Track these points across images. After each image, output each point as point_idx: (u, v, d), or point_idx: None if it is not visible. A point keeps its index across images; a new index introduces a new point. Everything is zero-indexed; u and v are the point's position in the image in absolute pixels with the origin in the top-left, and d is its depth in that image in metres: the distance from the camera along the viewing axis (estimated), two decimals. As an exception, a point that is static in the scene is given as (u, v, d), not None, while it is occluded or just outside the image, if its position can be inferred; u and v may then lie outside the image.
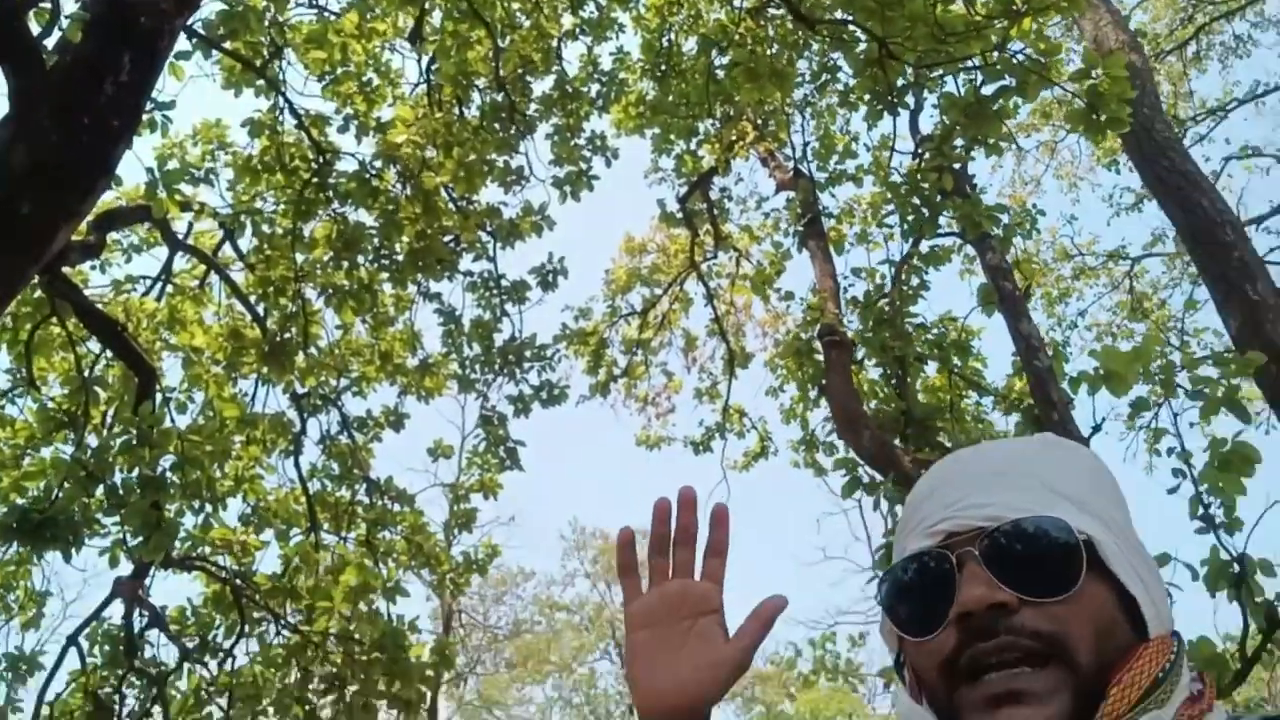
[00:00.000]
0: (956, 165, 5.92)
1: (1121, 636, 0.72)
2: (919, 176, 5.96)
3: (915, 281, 6.72)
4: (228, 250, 7.06)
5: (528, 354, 8.24)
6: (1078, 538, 0.72)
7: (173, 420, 5.67)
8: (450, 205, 7.13)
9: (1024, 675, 0.69)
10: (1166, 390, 5.33)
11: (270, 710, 5.89)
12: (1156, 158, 6.49)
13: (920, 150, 6.49)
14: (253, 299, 6.85)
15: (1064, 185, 15.78)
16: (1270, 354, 5.03)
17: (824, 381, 6.89)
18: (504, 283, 8.00)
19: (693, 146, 8.91)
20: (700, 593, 0.88)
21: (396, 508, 7.45)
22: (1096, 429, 5.26)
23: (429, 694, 7.60)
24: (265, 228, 6.72)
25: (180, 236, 6.75)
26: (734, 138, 8.79)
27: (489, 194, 9.02)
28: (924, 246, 6.82)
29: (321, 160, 6.56)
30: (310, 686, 5.97)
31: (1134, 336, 13.75)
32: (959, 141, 5.58)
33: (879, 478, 5.57)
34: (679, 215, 9.16)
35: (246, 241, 6.85)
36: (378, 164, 6.61)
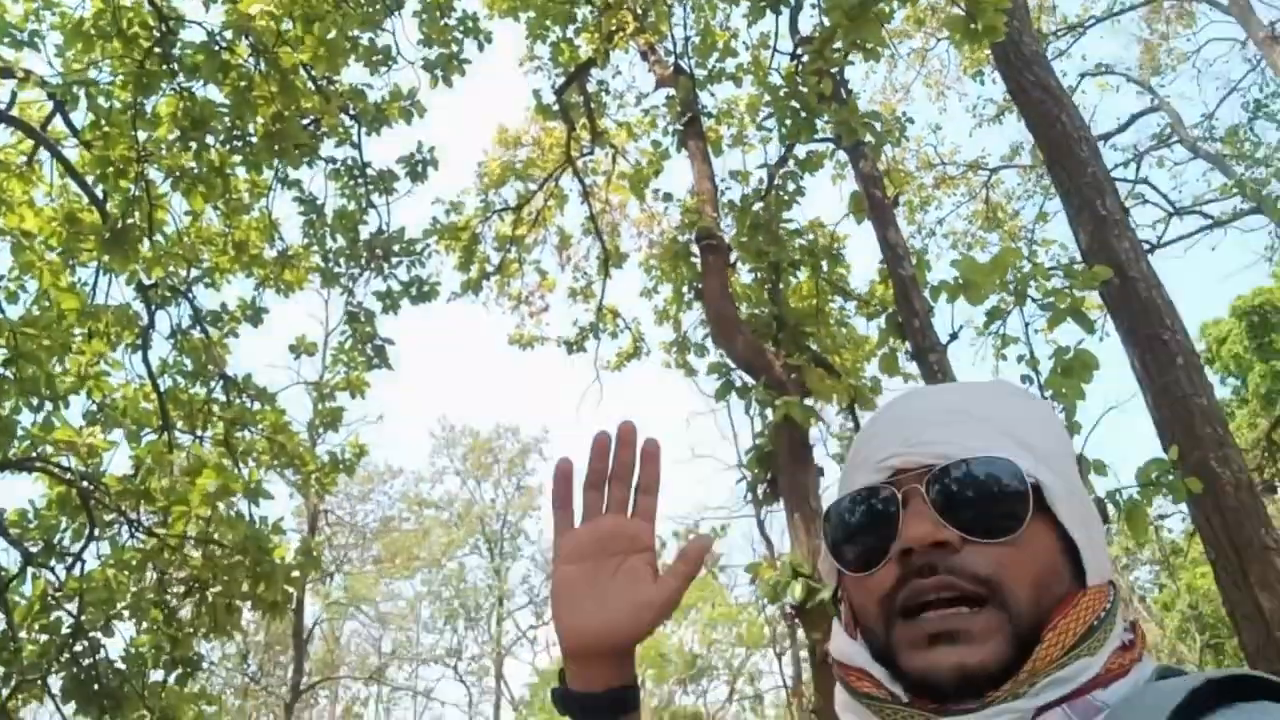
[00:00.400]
0: (834, 69, 5.92)
1: (1060, 584, 0.72)
2: (798, 79, 5.93)
3: (791, 187, 6.77)
4: (59, 125, 6.39)
5: (396, 248, 7.94)
6: (1027, 482, 0.72)
7: (2, 311, 5.21)
8: (310, 85, 6.65)
9: (961, 615, 0.68)
10: (1019, 300, 5.61)
11: (125, 614, 5.68)
12: (1022, 70, 6.65)
13: (800, 52, 6.44)
14: (90, 180, 6.27)
15: (932, 94, 16.14)
16: (1114, 268, 5.35)
17: (700, 285, 6.93)
18: (370, 172, 7.62)
19: (570, 34, 8.60)
20: (632, 530, 0.87)
21: (256, 406, 7.16)
22: (954, 336, 5.50)
23: (294, 594, 7.48)
24: (102, 101, 6.11)
25: (1, 106, 6.07)
26: (613, 27, 8.51)
27: (353, 75, 8.49)
28: (800, 151, 6.85)
29: (165, 28, 5.97)
30: (169, 590, 5.77)
31: (987, 246, 14.41)
32: (838, 45, 5.56)
33: (751, 382, 5.69)
34: (555, 108, 8.87)
35: (81, 116, 6.22)
36: (228, 35, 6.07)
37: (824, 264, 6.93)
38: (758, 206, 6.66)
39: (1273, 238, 16.84)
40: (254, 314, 7.52)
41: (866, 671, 0.74)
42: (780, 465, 5.47)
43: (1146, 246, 7.13)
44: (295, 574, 6.60)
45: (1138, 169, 14.97)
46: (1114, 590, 0.75)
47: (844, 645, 0.79)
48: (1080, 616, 0.69)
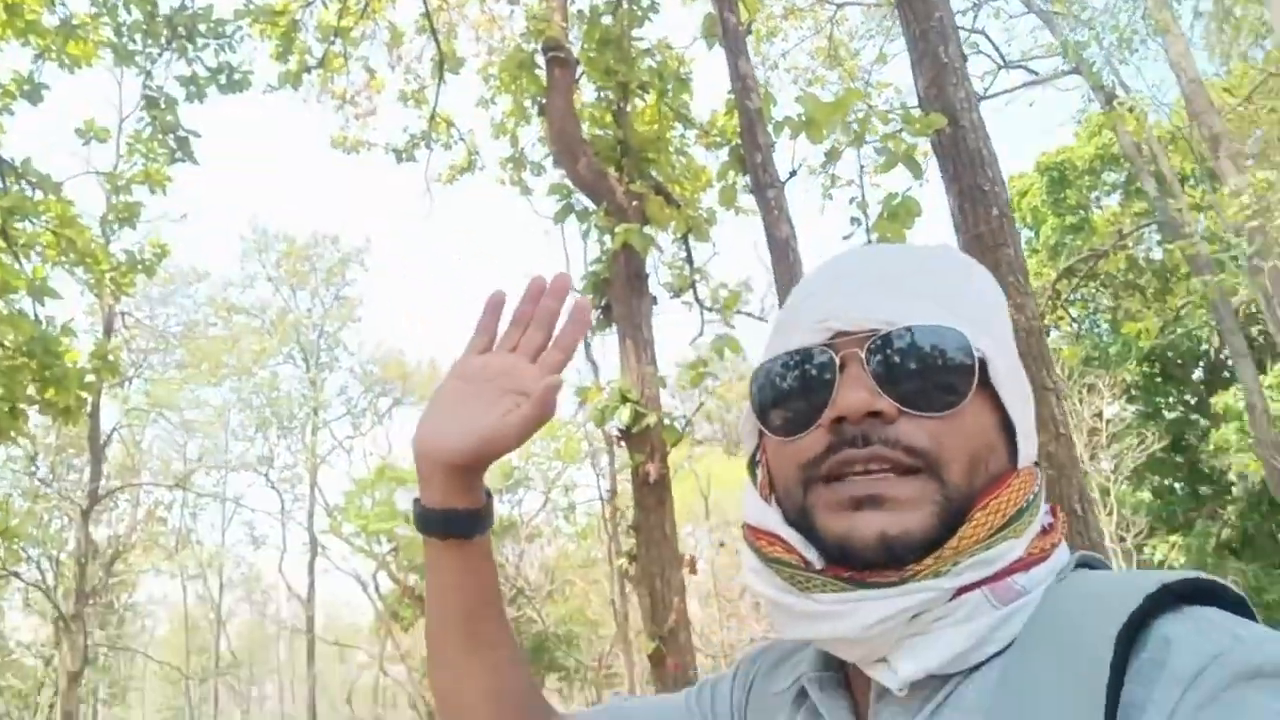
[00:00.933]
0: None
1: (995, 461, 0.68)
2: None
3: (645, 2, 6.45)
4: None
5: (202, 28, 7.09)
6: (974, 355, 0.68)
7: None
8: None
9: (889, 480, 0.65)
10: (857, 141, 5.69)
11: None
12: (884, -96, 6.48)
13: None
14: None
15: (788, -84, 15.63)
16: (949, 115, 5.49)
17: (543, 101, 6.61)
18: (170, -67, 6.66)
19: None
20: (526, 374, 0.85)
21: (38, 195, 6.41)
22: (793, 174, 5.56)
23: (89, 399, 7.02)
24: None
25: None
26: None
27: None
28: (655, -37, 6.49)
29: None
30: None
31: (827, 84, 14.50)
32: None
33: (591, 206, 5.58)
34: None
35: None
36: None
37: (670, 89, 6.75)
38: (607, 20, 6.33)
39: (1085, 100, 17.85)
40: (32, 90, 6.61)
41: (779, 536, 0.71)
42: (615, 292, 5.47)
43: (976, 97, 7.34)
44: (90, 379, 6.18)
45: (975, 19, 15.31)
46: (1040, 474, 0.73)
47: (757, 509, 0.76)
48: (1011, 498, 0.67)
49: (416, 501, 0.87)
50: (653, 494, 4.12)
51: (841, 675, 0.74)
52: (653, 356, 4.62)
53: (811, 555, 0.68)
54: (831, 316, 0.70)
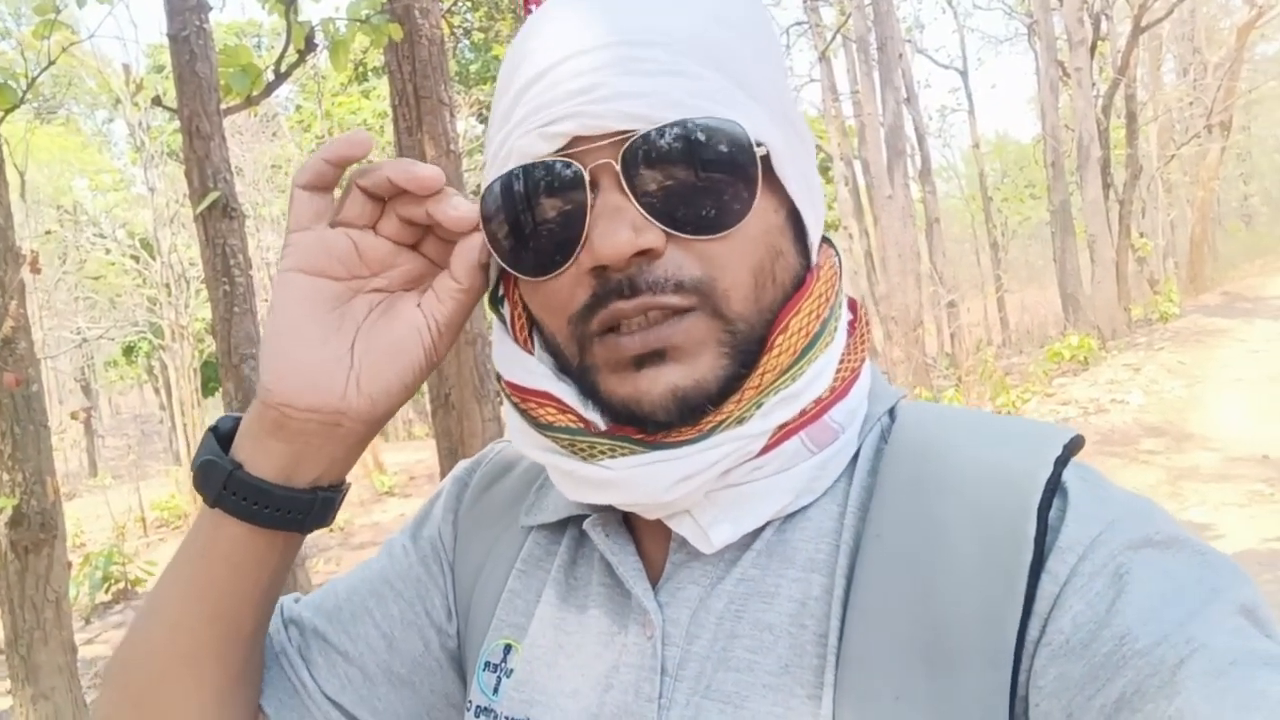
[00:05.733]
0: None
1: (784, 268, 0.57)
2: None
3: None
4: None
5: None
6: (755, 151, 0.54)
7: None
8: None
9: (665, 328, 0.54)
10: None
11: None
12: None
13: None
14: None
15: None
16: None
17: None
18: None
19: None
20: (419, 269, 0.61)
21: None
22: None
23: None
24: None
25: None
26: None
27: None
28: None
29: None
30: None
31: None
32: None
33: None
34: None
35: None
36: None
37: None
38: None
39: None
40: None
41: (550, 395, 0.58)
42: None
43: None
44: None
45: None
46: (837, 257, 0.62)
47: (514, 360, 0.61)
48: (814, 310, 0.57)
49: (240, 471, 0.59)
50: None
51: (619, 513, 0.64)
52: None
53: (594, 415, 0.57)
54: (564, 116, 0.53)
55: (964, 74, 25.74)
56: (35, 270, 3.50)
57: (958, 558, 0.52)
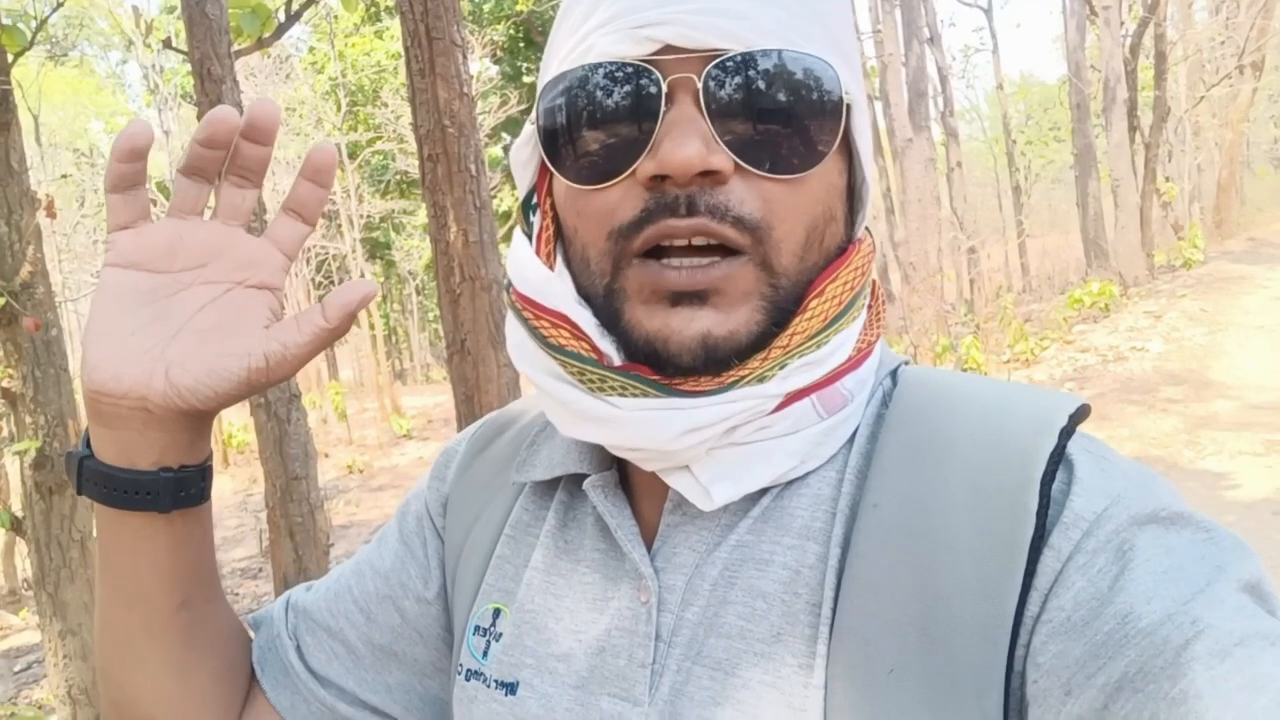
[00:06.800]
0: None
1: (833, 234, 0.56)
2: None
3: None
4: None
5: None
6: (843, 99, 0.52)
7: None
8: None
9: (715, 267, 0.51)
10: None
11: None
12: None
13: None
14: None
15: None
16: None
17: None
18: None
19: None
20: (252, 253, 0.59)
21: None
22: None
23: None
24: None
25: None
26: None
27: None
28: None
29: None
30: None
31: None
32: None
33: None
34: None
35: None
36: None
37: None
38: None
39: None
40: None
41: (565, 316, 0.55)
42: None
43: None
44: None
45: None
46: (873, 240, 0.61)
47: (533, 274, 0.57)
48: (849, 281, 0.56)
49: (90, 459, 0.59)
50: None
51: (616, 473, 0.62)
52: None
53: (608, 346, 0.55)
54: (659, 21, 0.50)
55: (988, 12, 25.08)
56: (51, 215, 3.50)
57: (956, 530, 0.51)
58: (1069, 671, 0.46)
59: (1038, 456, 0.51)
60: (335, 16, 18.27)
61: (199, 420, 0.60)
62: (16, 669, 6.75)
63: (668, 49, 0.51)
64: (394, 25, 17.02)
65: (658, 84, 0.51)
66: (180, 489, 0.61)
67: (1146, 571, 0.46)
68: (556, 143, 0.55)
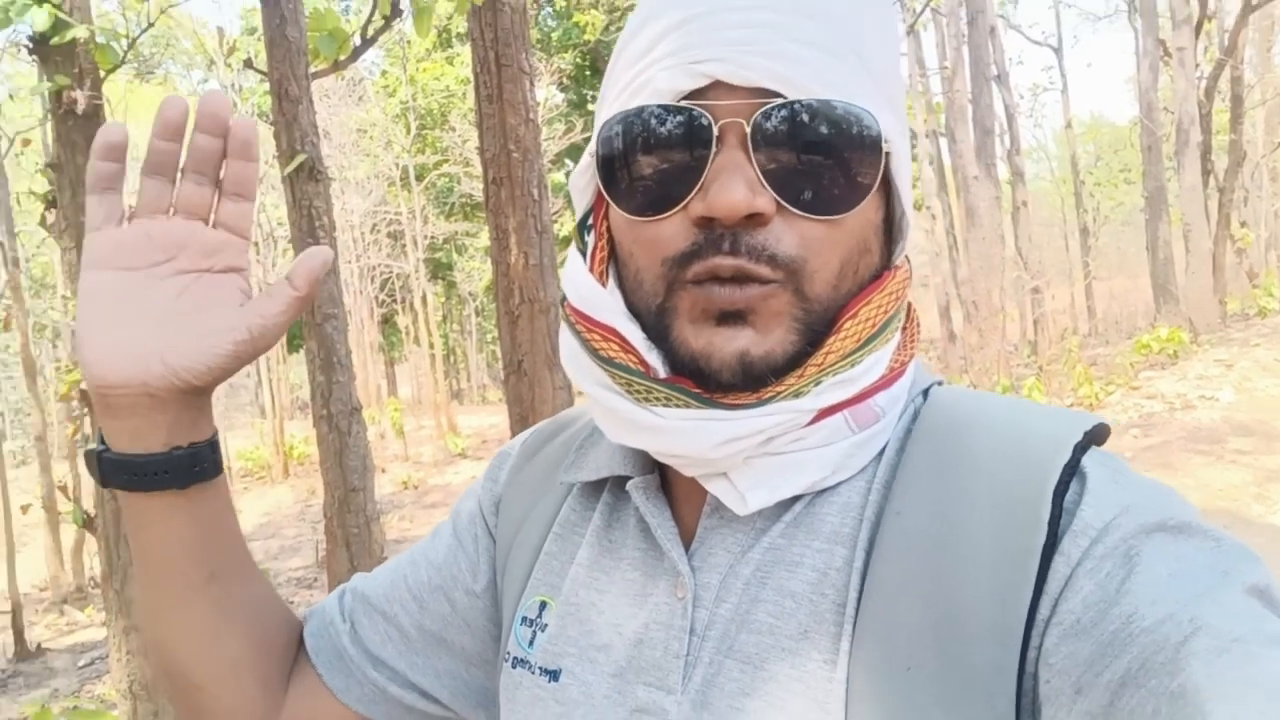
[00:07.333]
0: None
1: (867, 263, 0.59)
2: None
3: None
4: None
5: None
6: (883, 148, 0.56)
7: None
8: None
9: (754, 292, 0.55)
10: None
11: None
12: None
13: None
14: None
15: None
16: None
17: None
18: None
19: None
20: (212, 241, 0.65)
21: None
22: None
23: None
24: None
25: None
26: None
27: None
28: None
29: None
30: None
31: None
32: None
33: None
34: None
35: None
36: None
37: None
38: None
39: None
40: None
41: (617, 331, 0.59)
42: None
43: None
44: None
45: None
46: (910, 266, 0.65)
47: (588, 291, 0.62)
48: (882, 304, 0.59)
49: (107, 454, 0.65)
50: (81, 129, 3.32)
51: (658, 477, 0.66)
52: (78, -50, 3.55)
53: (655, 360, 0.58)
54: (714, 59, 0.54)
55: (1058, 51, 24.80)
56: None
57: (973, 537, 0.53)
58: (1078, 671, 0.48)
59: (1052, 470, 0.54)
60: (408, 41, 18.75)
61: (198, 397, 0.65)
62: (81, 664, 6.94)
63: (719, 84, 0.55)
64: (464, 51, 17.42)
65: (709, 126, 0.54)
66: (193, 464, 0.66)
67: (1152, 576, 0.48)
68: (613, 173, 0.59)
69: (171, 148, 0.63)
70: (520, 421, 4.70)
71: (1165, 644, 0.44)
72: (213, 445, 0.68)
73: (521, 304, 4.68)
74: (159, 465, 0.65)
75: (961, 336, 12.05)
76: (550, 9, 20.70)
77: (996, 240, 12.63)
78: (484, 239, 17.81)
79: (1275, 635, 0.44)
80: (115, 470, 0.65)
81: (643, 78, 0.57)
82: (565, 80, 19.72)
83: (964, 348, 11.63)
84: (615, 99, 0.60)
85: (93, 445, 0.67)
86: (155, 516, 0.67)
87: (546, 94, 18.78)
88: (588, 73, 20.32)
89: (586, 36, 18.58)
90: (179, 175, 0.65)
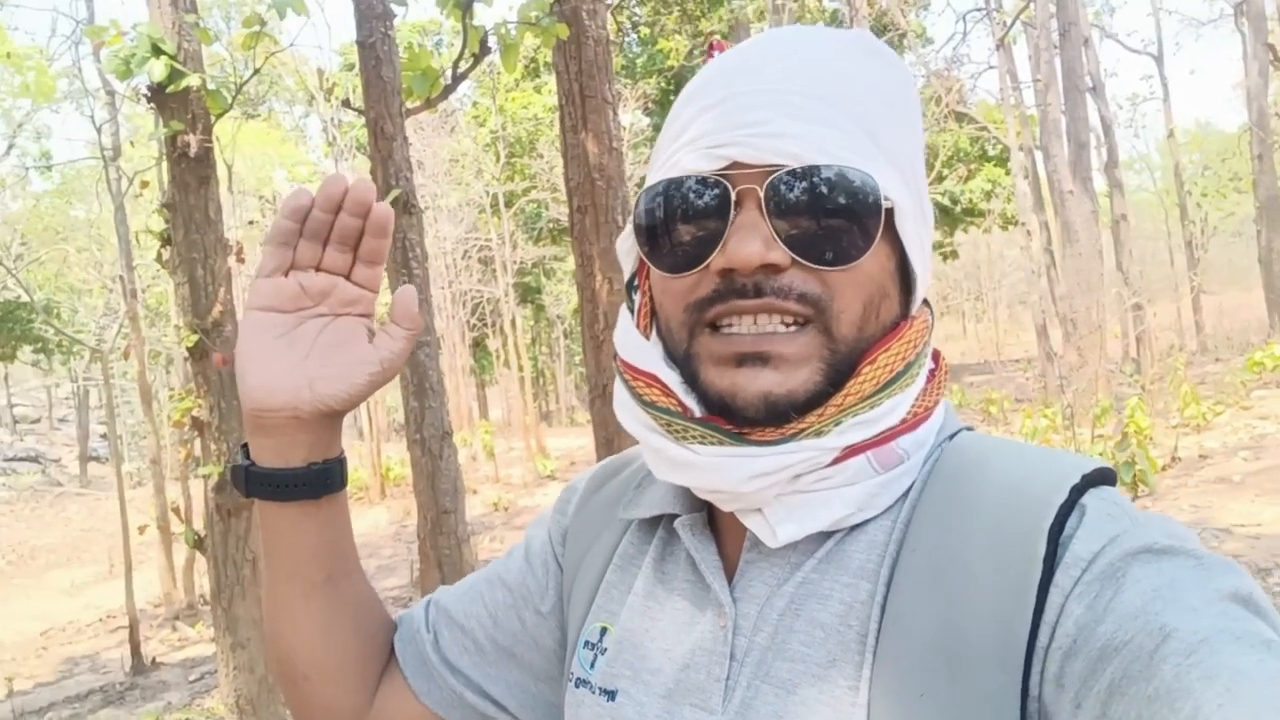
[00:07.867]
0: None
1: (888, 309, 0.65)
2: None
3: None
4: None
5: None
6: (882, 204, 0.62)
7: None
8: None
9: (777, 336, 0.61)
10: None
11: None
12: None
13: None
14: None
15: None
16: None
17: None
18: None
19: None
20: (350, 294, 0.74)
21: None
22: None
23: None
24: None
25: None
26: None
27: None
28: None
29: None
30: None
31: None
32: None
33: None
34: None
35: None
36: None
37: None
38: None
39: None
40: None
41: (657, 377, 0.67)
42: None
43: None
44: None
45: None
46: (931, 317, 0.71)
47: (633, 343, 0.70)
48: (901, 351, 0.65)
49: (253, 466, 0.75)
50: (193, 171, 3.55)
51: (706, 515, 0.73)
52: (193, 3, 3.80)
53: (691, 402, 0.65)
54: (729, 143, 0.62)
55: (1158, 59, 23.95)
56: (240, 260, 3.85)
57: (978, 573, 0.58)
58: (1075, 687, 0.52)
59: (1048, 509, 0.58)
60: (497, 73, 19.25)
61: (334, 420, 0.75)
62: (191, 678, 7.27)
63: (736, 164, 0.62)
64: (551, 80, 17.77)
65: (728, 193, 0.62)
66: (326, 478, 0.76)
67: (1136, 592, 0.52)
68: (650, 238, 0.66)
69: (326, 218, 0.72)
70: (606, 444, 4.76)
71: (1141, 653, 0.49)
72: (342, 462, 0.77)
73: (606, 329, 4.74)
74: (299, 479, 0.74)
75: (1060, 355, 11.68)
76: (635, 35, 20.99)
77: (1094, 255, 12.23)
78: (571, 263, 18.08)
79: (1241, 632, 0.48)
80: (259, 482, 0.75)
81: (674, 159, 0.65)
82: (650, 105, 19.93)
83: (1062, 367, 11.26)
84: (654, 172, 0.67)
85: (236, 460, 0.77)
86: (289, 524, 0.76)
87: (632, 119, 19.01)
88: (672, 97, 20.46)
89: (670, 62, 18.77)
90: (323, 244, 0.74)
